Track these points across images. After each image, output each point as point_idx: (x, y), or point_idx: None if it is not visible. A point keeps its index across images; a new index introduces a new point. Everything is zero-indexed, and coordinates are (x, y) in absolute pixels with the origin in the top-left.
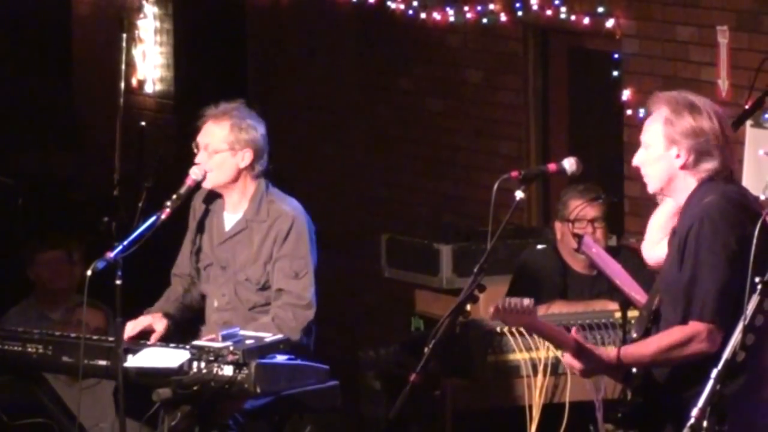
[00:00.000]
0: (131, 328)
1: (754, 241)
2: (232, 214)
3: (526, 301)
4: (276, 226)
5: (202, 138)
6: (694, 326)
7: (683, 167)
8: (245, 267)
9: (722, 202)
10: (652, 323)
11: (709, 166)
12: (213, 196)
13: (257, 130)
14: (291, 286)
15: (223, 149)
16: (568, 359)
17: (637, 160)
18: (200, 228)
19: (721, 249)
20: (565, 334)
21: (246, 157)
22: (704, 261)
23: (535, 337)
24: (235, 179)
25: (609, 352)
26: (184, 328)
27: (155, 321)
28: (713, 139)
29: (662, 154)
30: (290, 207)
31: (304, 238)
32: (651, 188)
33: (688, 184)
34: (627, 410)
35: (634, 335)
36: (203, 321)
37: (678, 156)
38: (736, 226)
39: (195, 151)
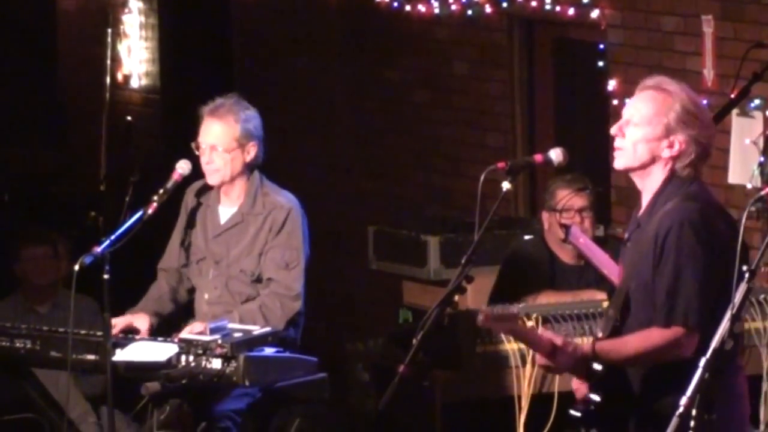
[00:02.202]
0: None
1: (741, 230)
2: (227, 207)
3: (513, 308)
4: (271, 217)
5: (206, 138)
6: (677, 331)
7: (670, 158)
8: (240, 259)
9: (700, 206)
10: (620, 323)
11: (701, 167)
12: (206, 190)
13: (257, 120)
14: (281, 276)
15: (232, 147)
16: (539, 360)
17: (630, 135)
18: (192, 223)
19: (702, 254)
20: (541, 338)
21: (252, 150)
22: (686, 265)
23: None
24: (240, 174)
25: (583, 346)
26: (170, 322)
27: (136, 320)
28: (710, 143)
29: (656, 137)
30: (286, 199)
31: (298, 231)
32: (623, 164)
33: (660, 174)
34: (585, 408)
35: (600, 334)
36: (191, 315)
37: (670, 146)
38: (715, 231)
39: (196, 152)
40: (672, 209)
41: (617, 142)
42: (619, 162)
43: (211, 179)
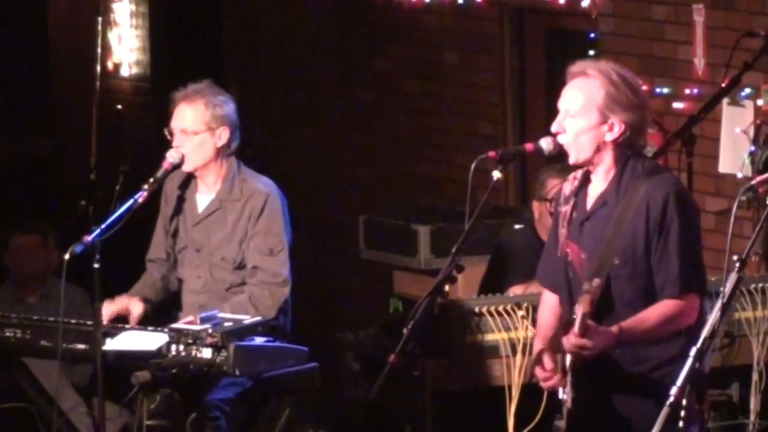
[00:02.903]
0: (107, 309)
1: (732, 218)
2: (205, 195)
3: (595, 282)
4: (250, 204)
5: (176, 122)
6: (691, 299)
7: (613, 140)
8: (221, 247)
9: (673, 176)
10: (604, 305)
11: (641, 142)
12: (184, 180)
13: (230, 106)
14: (266, 263)
15: (201, 130)
16: (575, 340)
17: (570, 128)
18: (173, 212)
19: (698, 221)
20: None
21: (223, 135)
22: (691, 235)
23: (514, 316)
24: (213, 159)
25: (611, 328)
26: (161, 311)
27: (132, 303)
28: (646, 116)
29: (594, 125)
30: (263, 184)
31: (278, 215)
32: (575, 159)
33: (610, 154)
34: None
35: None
36: (179, 306)
37: (611, 129)
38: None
39: (168, 137)
40: (655, 182)
41: (560, 138)
42: (571, 158)
43: (184, 165)
